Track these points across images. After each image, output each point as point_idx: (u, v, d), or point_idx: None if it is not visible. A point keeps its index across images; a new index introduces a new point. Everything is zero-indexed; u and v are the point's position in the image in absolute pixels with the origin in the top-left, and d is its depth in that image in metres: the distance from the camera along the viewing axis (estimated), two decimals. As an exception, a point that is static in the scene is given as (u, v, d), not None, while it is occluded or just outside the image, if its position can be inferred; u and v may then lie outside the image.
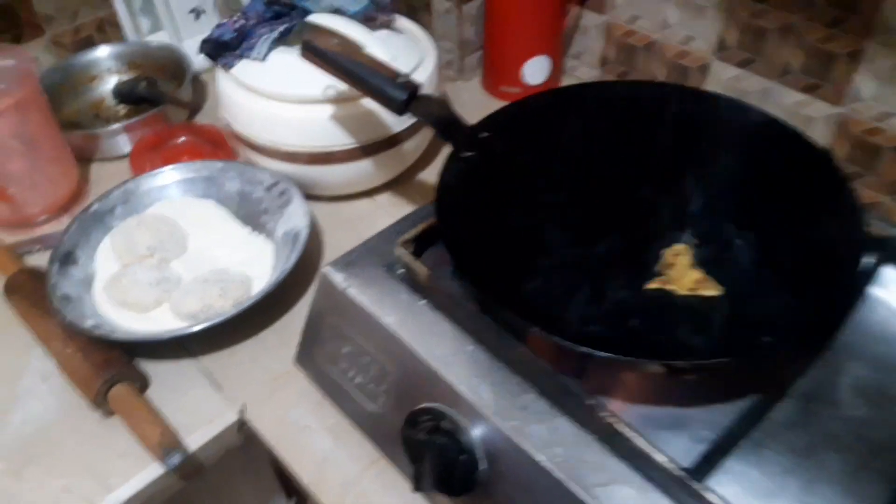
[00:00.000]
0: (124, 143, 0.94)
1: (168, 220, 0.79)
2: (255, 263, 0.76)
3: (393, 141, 0.79)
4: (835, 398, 0.53)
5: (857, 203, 0.54)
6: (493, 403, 0.50)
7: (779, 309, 0.50)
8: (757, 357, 0.47)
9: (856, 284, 0.54)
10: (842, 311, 0.53)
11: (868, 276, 0.57)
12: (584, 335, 0.46)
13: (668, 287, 0.56)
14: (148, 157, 0.90)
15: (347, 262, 0.60)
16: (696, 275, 0.54)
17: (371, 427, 0.60)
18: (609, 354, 0.45)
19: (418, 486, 0.50)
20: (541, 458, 0.47)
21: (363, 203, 0.86)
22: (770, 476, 0.48)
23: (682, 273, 0.54)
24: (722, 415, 0.52)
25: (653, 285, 0.56)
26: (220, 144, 0.92)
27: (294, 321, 0.73)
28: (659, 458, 0.44)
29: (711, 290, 0.53)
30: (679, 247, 0.57)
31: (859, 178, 0.77)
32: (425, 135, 0.84)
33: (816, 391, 0.53)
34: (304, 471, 0.62)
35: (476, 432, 0.51)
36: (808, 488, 0.47)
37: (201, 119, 1.02)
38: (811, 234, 0.54)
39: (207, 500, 0.76)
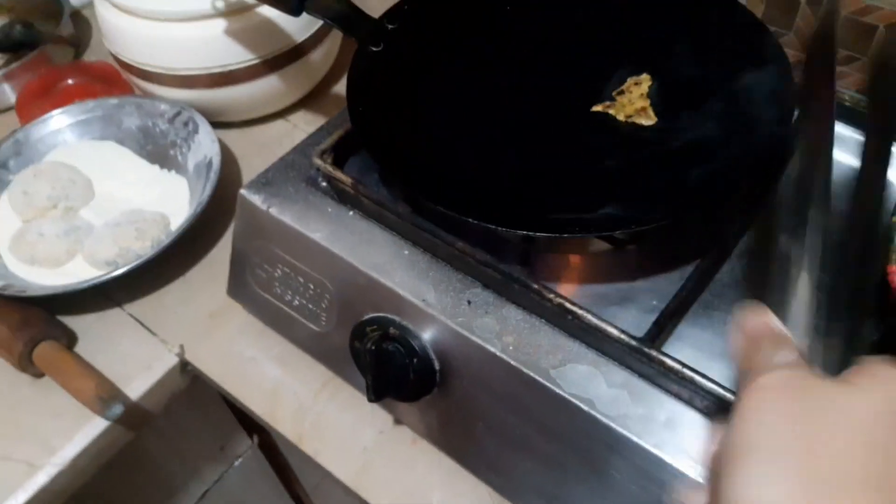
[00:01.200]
0: (8, 94, 0.86)
1: (67, 167, 0.73)
2: (169, 201, 0.71)
3: (298, 52, 0.74)
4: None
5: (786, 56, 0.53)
6: (438, 303, 0.48)
7: (715, 165, 0.48)
8: (695, 215, 0.46)
9: (790, 136, 0.53)
10: (779, 163, 0.53)
11: (784, 133, 0.56)
12: (521, 218, 0.44)
13: (611, 111, 0.53)
14: (36, 104, 0.82)
15: (265, 181, 0.56)
16: (641, 103, 0.52)
17: (318, 348, 0.58)
18: (549, 234, 0.44)
19: (373, 396, 0.48)
20: (493, 348, 0.46)
21: (277, 125, 0.81)
22: (722, 335, 0.48)
23: (630, 100, 0.52)
24: (668, 283, 0.51)
25: (597, 108, 0.53)
26: (112, 81, 0.84)
27: (221, 255, 0.69)
28: (612, 330, 0.43)
29: (646, 120, 0.51)
30: (644, 76, 0.54)
31: (781, 37, 0.76)
32: (333, 41, 0.79)
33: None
34: (255, 404, 0.59)
35: (425, 335, 0.49)
36: (760, 341, 0.47)
37: (89, 57, 0.94)
38: (743, 88, 0.52)
39: (164, 449, 0.73)
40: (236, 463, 0.85)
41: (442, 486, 0.54)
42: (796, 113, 0.53)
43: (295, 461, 0.91)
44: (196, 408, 0.74)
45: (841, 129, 0.58)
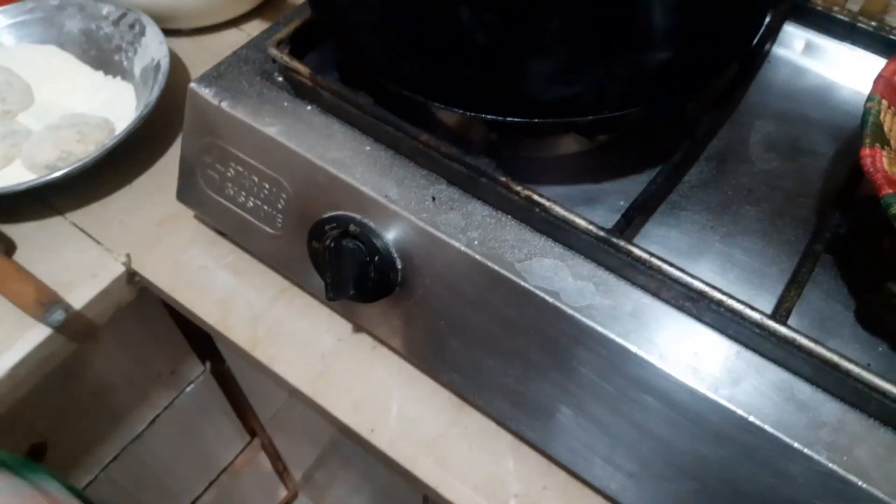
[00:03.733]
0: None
1: (4, 70, 0.68)
2: (115, 107, 0.67)
3: (254, -48, 0.70)
4: (746, 155, 0.52)
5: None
6: (400, 199, 0.46)
7: (689, 52, 0.47)
8: (668, 102, 0.45)
9: (761, 41, 0.52)
10: (752, 61, 0.52)
11: (771, 33, 0.55)
12: (490, 103, 0.42)
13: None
14: (-32, 6, 0.77)
15: (217, 74, 0.53)
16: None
17: (274, 253, 0.55)
18: (519, 118, 0.42)
19: (331, 295, 0.46)
20: (458, 244, 0.44)
21: (230, 34, 0.77)
22: (689, 234, 0.47)
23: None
24: (636, 185, 0.50)
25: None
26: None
27: (170, 164, 0.65)
28: (580, 222, 0.42)
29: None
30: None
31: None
32: (291, -56, 0.75)
33: (728, 151, 0.52)
34: (206, 313, 0.57)
35: (387, 232, 0.47)
36: (728, 240, 0.47)
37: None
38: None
39: (111, 369, 0.71)
40: (188, 388, 0.82)
41: (401, 392, 0.52)
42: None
43: (249, 389, 0.89)
44: (145, 328, 0.71)
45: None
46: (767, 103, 0.55)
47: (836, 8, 0.55)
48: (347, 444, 0.64)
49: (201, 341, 0.79)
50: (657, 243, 0.47)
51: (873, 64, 0.55)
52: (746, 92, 0.55)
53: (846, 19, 0.55)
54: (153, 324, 0.72)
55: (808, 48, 0.58)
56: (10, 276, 0.54)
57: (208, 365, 0.84)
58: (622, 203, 0.49)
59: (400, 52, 0.46)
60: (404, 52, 0.46)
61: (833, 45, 0.57)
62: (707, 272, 0.45)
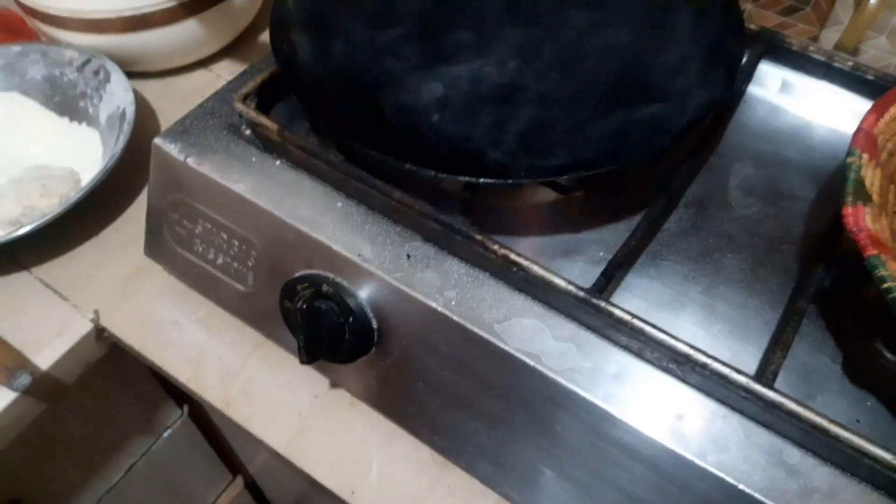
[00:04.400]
0: None
1: (-35, 120, 0.66)
2: (80, 156, 0.65)
3: (220, -8, 0.68)
4: (726, 200, 0.51)
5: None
6: (374, 257, 0.45)
7: (662, 108, 0.46)
8: (643, 160, 0.44)
9: (738, 79, 0.51)
10: (725, 109, 0.51)
11: (747, 73, 0.55)
12: (462, 164, 0.41)
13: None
14: (-71, 50, 0.75)
15: (182, 128, 0.52)
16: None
17: (246, 310, 0.54)
18: (492, 180, 0.41)
19: (305, 358, 0.45)
20: (435, 304, 0.43)
21: (199, 75, 0.76)
22: (671, 285, 0.46)
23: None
24: (615, 234, 0.49)
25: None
26: (16, 29, 0.77)
27: (138, 214, 0.63)
28: (559, 282, 0.41)
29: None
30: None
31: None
32: (259, -17, 0.74)
33: (707, 196, 0.51)
34: (178, 371, 0.55)
35: (361, 292, 0.46)
36: (710, 291, 0.46)
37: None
38: (690, 32, 0.50)
39: (82, 422, 0.68)
40: (165, 434, 0.80)
41: (381, 450, 0.51)
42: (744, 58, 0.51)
43: (229, 431, 0.87)
44: (117, 377, 0.69)
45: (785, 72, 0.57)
46: (745, 145, 0.54)
47: (811, 47, 0.55)
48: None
49: (178, 386, 0.77)
50: (639, 296, 0.46)
51: (850, 102, 0.55)
52: (723, 134, 0.55)
53: (822, 58, 0.54)
54: (126, 372, 0.70)
55: (785, 87, 0.57)
56: (-28, 342, 0.52)
57: (186, 409, 0.82)
58: (602, 254, 0.48)
59: (368, 116, 0.45)
60: (373, 116, 0.45)
61: (810, 83, 0.56)
62: (690, 325, 0.44)
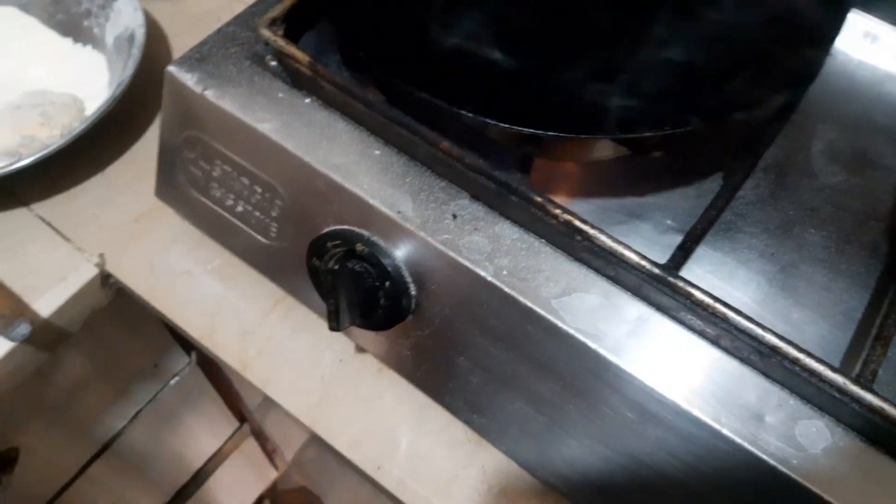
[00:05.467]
0: None
1: (-43, 35, 0.60)
2: (84, 81, 0.60)
3: None
4: (808, 167, 0.46)
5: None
6: (415, 215, 0.40)
7: (744, 63, 0.40)
8: (732, 116, 0.38)
9: (830, 26, 0.45)
10: (817, 56, 0.45)
11: (837, 23, 0.48)
12: (527, 112, 0.36)
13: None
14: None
15: (199, 56, 0.46)
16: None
17: (267, 263, 0.49)
18: (562, 133, 0.35)
19: (335, 324, 0.40)
20: (484, 273, 0.38)
21: (215, -5, 0.69)
22: (747, 262, 0.41)
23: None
24: (683, 199, 0.44)
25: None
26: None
27: (148, 149, 0.58)
28: (630, 255, 0.36)
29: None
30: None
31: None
32: None
33: (787, 161, 0.46)
34: (191, 325, 0.51)
35: (399, 253, 0.41)
36: (790, 270, 0.41)
37: None
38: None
39: (87, 367, 0.65)
40: (172, 381, 0.77)
41: (411, 423, 0.47)
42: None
43: (237, 379, 0.83)
44: (122, 322, 0.65)
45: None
46: (829, 104, 0.49)
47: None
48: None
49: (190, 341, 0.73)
50: (711, 272, 0.41)
51: (953, 60, 0.48)
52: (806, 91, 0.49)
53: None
54: (132, 317, 0.66)
55: (874, 39, 0.51)
56: (-34, 286, 0.48)
57: (194, 356, 0.78)
58: (669, 222, 0.43)
59: (416, 51, 0.39)
60: (421, 52, 0.38)
61: (903, 36, 0.50)
62: (766, 309, 0.40)
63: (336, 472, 1.01)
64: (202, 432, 0.90)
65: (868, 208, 0.44)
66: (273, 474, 1.13)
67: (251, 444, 1.02)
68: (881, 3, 0.50)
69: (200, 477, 0.95)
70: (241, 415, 0.95)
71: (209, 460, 0.94)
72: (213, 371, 0.82)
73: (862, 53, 0.52)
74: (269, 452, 1.09)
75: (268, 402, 0.90)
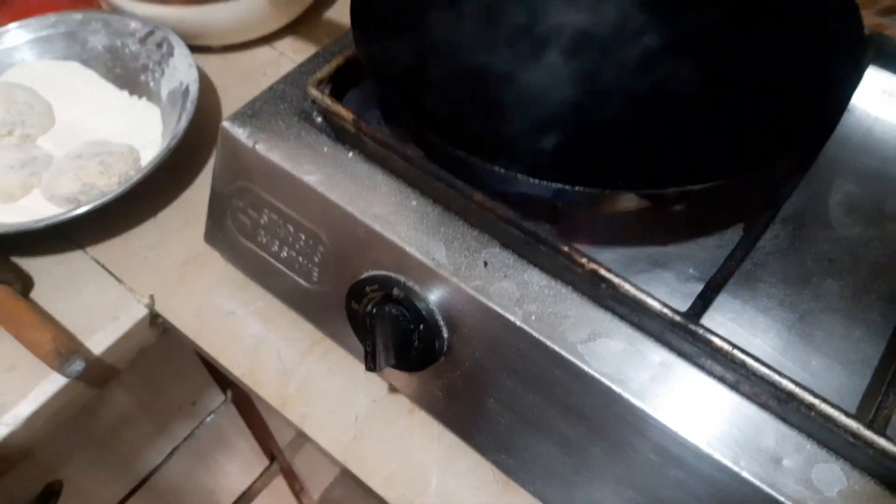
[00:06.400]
0: (-43, 4, 0.77)
1: (25, 89, 0.65)
2: (140, 132, 0.64)
3: (289, -31, 0.66)
4: (826, 219, 0.47)
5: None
6: (449, 262, 0.42)
7: (765, 119, 0.42)
8: (754, 171, 0.40)
9: (850, 81, 0.47)
10: (836, 109, 0.47)
11: (855, 79, 0.51)
12: (556, 168, 0.38)
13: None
14: (-11, 16, 0.73)
15: (251, 112, 0.49)
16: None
17: (308, 306, 0.51)
18: (589, 188, 0.38)
19: (371, 365, 0.43)
20: (513, 317, 0.40)
21: (262, 52, 0.73)
22: (766, 311, 0.43)
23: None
24: (704, 249, 0.46)
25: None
26: (78, -4, 0.76)
27: (198, 196, 0.62)
28: (653, 303, 0.38)
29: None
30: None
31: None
32: (329, -40, 0.71)
33: (806, 212, 0.47)
34: (233, 364, 0.53)
35: (433, 297, 0.43)
36: (807, 319, 0.43)
37: (51, -34, 0.84)
38: (806, 34, 0.46)
39: (131, 404, 0.67)
40: (208, 419, 0.79)
41: (441, 462, 0.49)
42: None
43: (269, 417, 0.86)
44: (167, 361, 0.68)
45: None
46: (847, 157, 0.51)
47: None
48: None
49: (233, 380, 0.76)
50: (732, 320, 0.43)
51: (967, 118, 0.50)
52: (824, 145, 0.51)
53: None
54: (175, 357, 0.69)
55: (892, 95, 0.53)
56: (29, 323, 0.51)
57: (229, 394, 0.81)
58: (691, 270, 0.45)
59: (459, 108, 0.42)
60: (464, 108, 0.42)
61: (920, 94, 0.52)
62: (785, 357, 0.41)
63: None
64: (234, 469, 0.92)
65: (885, 259, 0.45)
66: (300, 514, 1.14)
67: (280, 484, 1.04)
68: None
69: (230, 515, 0.96)
70: (271, 453, 0.97)
71: (240, 498, 0.96)
72: (246, 409, 0.84)
73: (880, 110, 0.54)
74: (297, 492, 1.10)
75: (298, 441, 0.92)
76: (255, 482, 0.97)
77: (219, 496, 0.93)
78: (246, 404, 0.83)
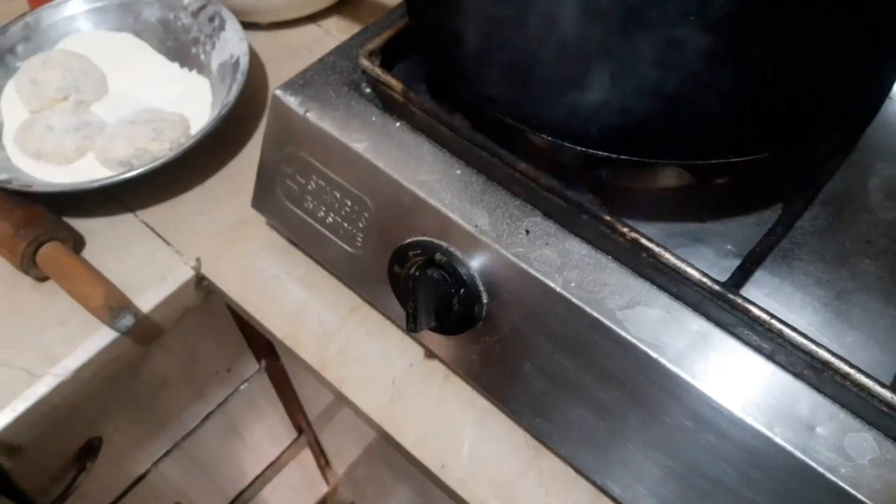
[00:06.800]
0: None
1: (80, 58, 0.67)
2: (190, 102, 0.66)
3: (339, -53, 0.67)
4: (865, 202, 0.48)
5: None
6: (491, 230, 0.44)
7: (810, 97, 0.43)
8: (795, 148, 0.41)
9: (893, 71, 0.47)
10: (877, 97, 0.47)
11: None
12: (602, 137, 0.39)
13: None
14: (47, -13, 0.76)
15: (303, 82, 0.51)
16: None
17: (350, 271, 0.53)
18: (634, 157, 0.39)
19: (412, 326, 0.44)
20: (554, 284, 0.41)
21: (308, 30, 0.75)
22: (803, 288, 0.44)
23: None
24: (742, 227, 0.46)
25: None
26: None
27: (244, 165, 0.64)
28: (692, 272, 0.39)
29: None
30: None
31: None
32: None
33: (845, 195, 0.48)
34: (276, 326, 0.55)
35: (474, 263, 0.44)
36: (845, 297, 0.43)
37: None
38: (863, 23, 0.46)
39: (171, 367, 0.69)
40: (242, 387, 0.81)
41: (474, 427, 0.50)
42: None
43: (301, 387, 0.88)
44: (207, 326, 0.70)
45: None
46: (888, 143, 0.51)
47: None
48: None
49: (259, 340, 0.78)
50: (768, 295, 0.43)
51: None
52: (866, 129, 0.51)
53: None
54: (215, 323, 0.71)
55: (935, 85, 0.53)
56: (81, 278, 0.53)
57: (263, 363, 0.83)
58: (729, 247, 0.45)
59: (508, 77, 0.43)
60: (513, 77, 0.43)
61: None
62: (821, 332, 0.42)
63: (386, 489, 1.04)
64: (263, 439, 0.94)
65: (923, 243, 0.46)
66: (324, 489, 1.16)
67: (307, 456, 1.06)
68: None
69: (258, 484, 0.99)
70: (299, 426, 0.99)
71: (267, 468, 0.98)
72: (279, 380, 0.86)
73: (921, 100, 0.54)
74: (322, 467, 1.12)
75: (327, 414, 0.94)
76: (282, 454, 0.99)
77: (247, 464, 0.95)
78: (279, 375, 0.85)
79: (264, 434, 0.94)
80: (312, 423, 0.99)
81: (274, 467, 1.00)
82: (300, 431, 1.01)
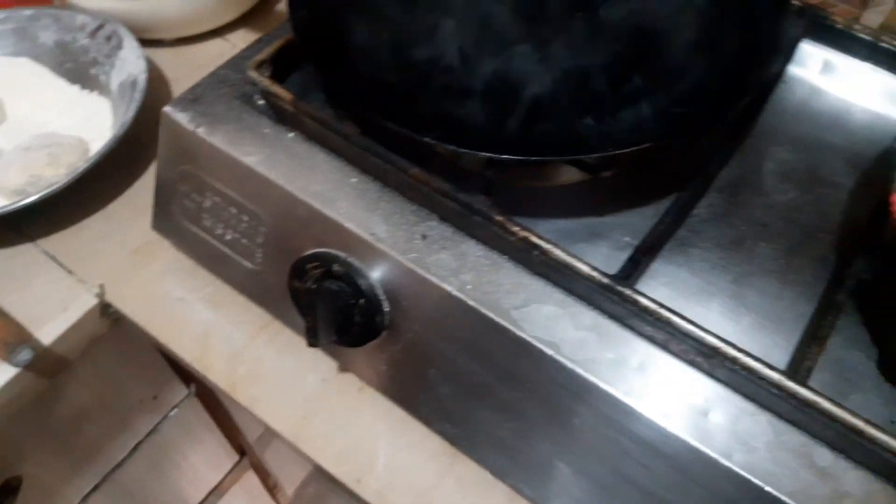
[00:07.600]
0: None
1: (-25, 86, 0.64)
2: (90, 125, 0.64)
3: (237, -41, 0.66)
4: (760, 186, 0.48)
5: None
6: (388, 237, 0.43)
7: (696, 85, 0.43)
8: (676, 137, 0.41)
9: (780, 56, 0.48)
10: (767, 86, 0.48)
11: (789, 51, 0.52)
12: (485, 139, 0.39)
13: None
14: (-61, 15, 0.73)
15: (193, 97, 0.50)
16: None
17: (254, 288, 0.52)
18: (516, 157, 0.38)
19: (313, 340, 0.43)
20: (450, 287, 0.41)
21: (214, 44, 0.74)
22: (700, 274, 0.44)
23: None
24: (642, 218, 0.47)
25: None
26: (29, -8, 0.75)
27: (147, 187, 0.62)
28: (582, 267, 0.39)
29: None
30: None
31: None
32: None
33: (740, 181, 0.48)
34: (184, 349, 0.53)
35: (373, 272, 0.44)
36: (741, 281, 0.44)
37: (2, -35, 0.84)
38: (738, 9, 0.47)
39: (87, 399, 0.67)
40: (171, 413, 0.79)
41: (389, 438, 0.49)
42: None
43: (236, 411, 0.86)
44: (123, 353, 0.68)
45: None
46: (782, 127, 0.52)
47: (856, 26, 0.52)
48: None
49: (183, 365, 0.76)
50: (665, 284, 0.43)
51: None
52: (760, 116, 0.52)
53: (868, 38, 0.51)
54: (133, 349, 0.69)
55: (827, 67, 0.54)
56: (-27, 314, 0.51)
57: (193, 387, 0.81)
58: (627, 239, 0.45)
59: (389, 84, 0.42)
60: (394, 84, 0.42)
61: (853, 64, 0.53)
62: (718, 317, 0.42)
63: (337, 507, 1.02)
64: (202, 465, 0.92)
65: (817, 222, 0.46)
66: (275, 511, 1.14)
67: (251, 478, 1.04)
68: (838, 35, 0.53)
69: (201, 512, 0.96)
70: (240, 448, 0.97)
71: (209, 494, 0.96)
72: (211, 403, 0.84)
73: (819, 81, 0.55)
74: (271, 488, 1.10)
75: (267, 435, 0.92)
76: (224, 478, 0.97)
77: (187, 492, 0.93)
78: (211, 398, 0.83)
79: (202, 459, 0.92)
80: (253, 444, 0.97)
81: (217, 492, 0.97)
82: (242, 453, 0.99)
